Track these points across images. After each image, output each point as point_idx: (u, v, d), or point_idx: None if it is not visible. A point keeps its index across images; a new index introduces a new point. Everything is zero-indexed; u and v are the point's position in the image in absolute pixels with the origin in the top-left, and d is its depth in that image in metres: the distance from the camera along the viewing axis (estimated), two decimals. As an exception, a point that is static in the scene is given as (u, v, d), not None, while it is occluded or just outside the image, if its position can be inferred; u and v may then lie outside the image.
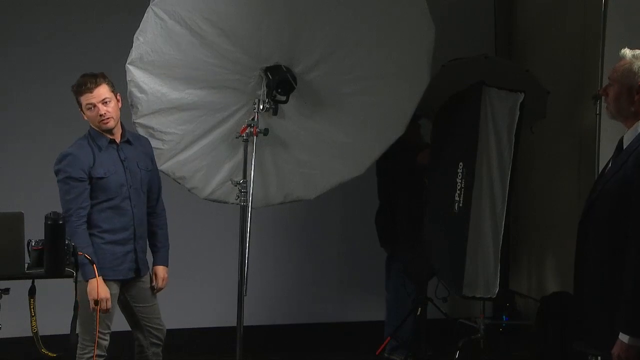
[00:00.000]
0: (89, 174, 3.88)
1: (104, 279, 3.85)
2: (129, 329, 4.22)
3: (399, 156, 5.27)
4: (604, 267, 2.77)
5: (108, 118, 3.91)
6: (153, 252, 4.19)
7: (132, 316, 4.12)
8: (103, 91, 3.90)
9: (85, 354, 3.88)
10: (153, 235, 4.19)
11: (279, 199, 4.82)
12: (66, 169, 3.88)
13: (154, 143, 4.29)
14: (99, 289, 3.78)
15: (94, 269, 3.72)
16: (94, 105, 3.88)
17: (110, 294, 3.90)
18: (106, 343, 3.95)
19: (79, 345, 3.92)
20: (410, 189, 5.47)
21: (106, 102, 3.90)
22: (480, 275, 4.96)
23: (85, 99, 3.88)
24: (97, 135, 3.95)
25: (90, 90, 3.87)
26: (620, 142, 2.88)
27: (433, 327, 5.59)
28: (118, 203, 3.96)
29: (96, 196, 3.91)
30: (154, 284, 4.16)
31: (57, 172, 3.93)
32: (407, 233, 5.39)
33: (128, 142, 4.04)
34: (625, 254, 2.69)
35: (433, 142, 5.46)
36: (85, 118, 3.95)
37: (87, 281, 3.78)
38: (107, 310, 3.84)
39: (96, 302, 3.79)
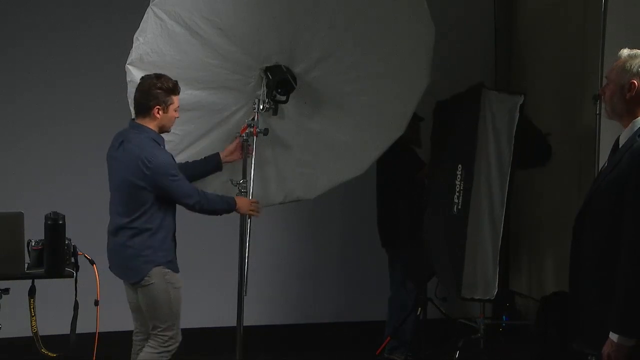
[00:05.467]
0: None
1: (175, 272, 4.02)
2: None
3: (400, 156, 5.27)
4: (599, 265, 2.78)
5: None
6: None
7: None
8: None
9: (165, 346, 3.99)
10: None
11: (279, 199, 4.82)
12: (174, 171, 3.97)
13: (154, 144, 4.30)
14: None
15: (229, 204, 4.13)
16: (178, 107, 4.02)
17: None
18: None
19: (155, 338, 3.98)
20: (412, 190, 5.47)
21: None
22: (479, 276, 4.97)
23: (177, 100, 4.01)
24: (160, 137, 4.03)
25: (179, 94, 4.03)
26: (617, 141, 2.88)
27: (433, 327, 5.59)
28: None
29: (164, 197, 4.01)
30: None
31: (168, 176, 3.94)
32: (408, 233, 5.38)
33: None
34: (619, 252, 2.69)
35: (433, 143, 5.46)
36: (161, 115, 3.97)
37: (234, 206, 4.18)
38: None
39: (96, 302, 3.79)
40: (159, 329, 3.99)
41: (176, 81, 4.00)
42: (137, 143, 3.93)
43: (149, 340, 4.05)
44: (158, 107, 3.96)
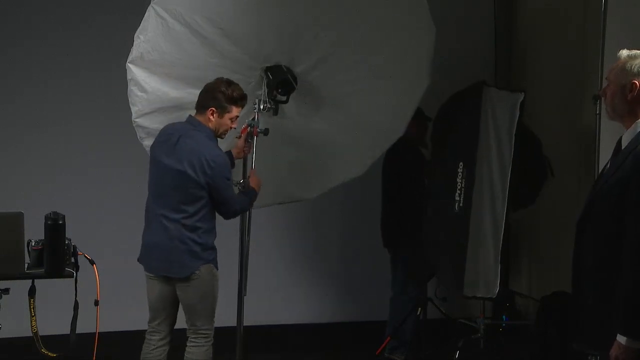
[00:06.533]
0: None
1: (216, 268, 4.03)
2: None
3: (403, 155, 5.27)
4: (602, 267, 2.77)
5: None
6: None
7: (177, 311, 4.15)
8: None
9: (208, 341, 4.03)
10: None
11: (279, 199, 4.82)
12: (229, 174, 4.02)
13: (154, 143, 4.29)
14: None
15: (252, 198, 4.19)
16: (235, 119, 4.05)
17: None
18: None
19: (198, 336, 4.00)
20: (414, 189, 5.46)
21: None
22: (480, 275, 4.97)
23: (236, 111, 4.03)
24: (215, 139, 4.05)
25: (243, 107, 4.07)
26: (619, 142, 2.88)
27: (433, 327, 5.59)
28: None
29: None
30: None
31: (225, 178, 3.98)
32: (410, 233, 5.38)
33: None
34: (621, 254, 2.69)
35: (434, 141, 5.46)
36: (214, 118, 3.99)
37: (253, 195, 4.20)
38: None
39: (96, 302, 3.79)
40: (204, 327, 4.02)
41: (245, 95, 4.03)
42: (197, 140, 3.94)
43: (192, 340, 4.05)
44: (213, 109, 3.97)
